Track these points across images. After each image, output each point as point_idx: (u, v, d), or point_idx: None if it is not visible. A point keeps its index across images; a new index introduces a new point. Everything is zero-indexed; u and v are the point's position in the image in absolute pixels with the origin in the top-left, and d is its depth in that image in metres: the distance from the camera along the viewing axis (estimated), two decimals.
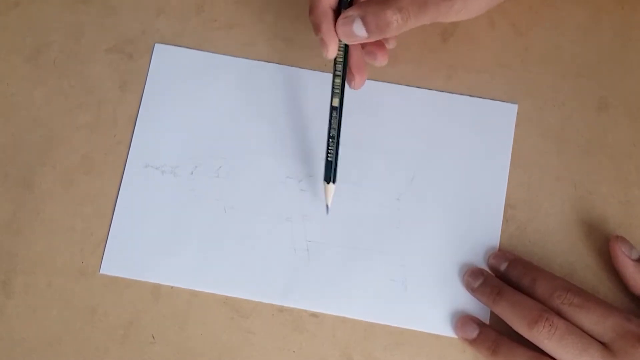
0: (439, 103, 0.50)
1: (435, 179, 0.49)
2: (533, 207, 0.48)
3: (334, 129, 0.46)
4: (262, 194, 0.49)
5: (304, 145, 0.50)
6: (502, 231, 0.48)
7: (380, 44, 0.47)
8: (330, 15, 0.44)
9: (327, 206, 0.48)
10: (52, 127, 0.51)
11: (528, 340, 0.44)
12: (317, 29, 0.45)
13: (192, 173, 0.50)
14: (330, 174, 0.47)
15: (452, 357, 0.46)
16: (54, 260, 0.49)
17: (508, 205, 0.48)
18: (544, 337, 0.43)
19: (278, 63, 0.51)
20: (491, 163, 0.49)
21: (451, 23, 0.51)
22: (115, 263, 0.48)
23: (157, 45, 0.52)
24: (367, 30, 0.43)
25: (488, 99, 0.50)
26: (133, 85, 0.51)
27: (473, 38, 0.51)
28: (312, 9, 0.45)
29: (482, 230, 0.48)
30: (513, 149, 0.49)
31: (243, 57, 0.51)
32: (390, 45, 0.48)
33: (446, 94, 0.50)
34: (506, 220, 0.48)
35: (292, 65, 0.51)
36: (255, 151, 0.50)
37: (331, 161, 0.46)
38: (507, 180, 0.49)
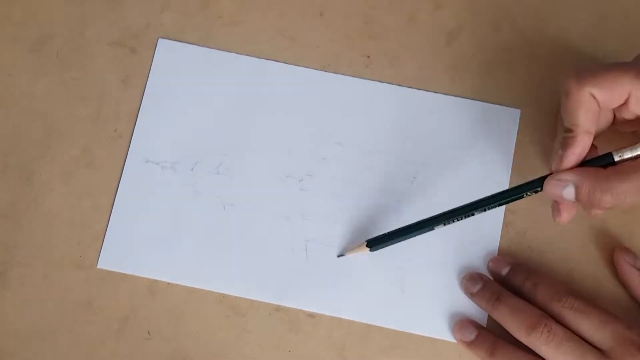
0: (441, 106, 0.50)
1: (436, 182, 0.49)
2: (533, 213, 0.48)
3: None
4: (262, 192, 0.49)
5: (305, 144, 0.50)
6: (502, 236, 0.48)
7: (570, 207, 0.45)
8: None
9: (343, 255, 0.48)
10: (53, 119, 0.51)
11: (526, 345, 0.43)
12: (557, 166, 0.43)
13: (192, 169, 0.50)
14: (378, 246, 0.47)
15: None
16: (51, 253, 0.49)
17: (508, 210, 0.48)
18: (542, 343, 0.42)
19: (281, 62, 0.51)
20: (492, 167, 0.49)
21: (455, 27, 0.51)
22: (113, 257, 0.48)
23: (160, 40, 0.52)
24: (577, 199, 0.42)
25: (491, 103, 0.50)
26: (135, 79, 0.51)
27: (477, 42, 0.51)
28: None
29: (482, 235, 0.48)
30: (515, 154, 0.49)
31: (246, 55, 0.51)
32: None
33: (449, 97, 0.50)
34: (506, 225, 0.48)
35: (295, 64, 0.51)
36: (256, 149, 0.50)
37: (390, 243, 0.47)
38: (508, 185, 0.49)
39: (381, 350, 0.47)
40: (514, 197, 0.45)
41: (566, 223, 0.45)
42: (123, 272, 0.48)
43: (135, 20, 0.52)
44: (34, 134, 0.50)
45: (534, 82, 0.50)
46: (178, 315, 0.48)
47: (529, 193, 0.44)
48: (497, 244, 0.48)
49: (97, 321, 0.48)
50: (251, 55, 0.51)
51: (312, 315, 0.47)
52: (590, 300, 0.44)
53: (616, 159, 0.42)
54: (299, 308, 0.47)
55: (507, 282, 0.46)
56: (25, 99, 0.51)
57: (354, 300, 0.47)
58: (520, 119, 0.50)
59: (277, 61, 0.51)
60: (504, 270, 0.47)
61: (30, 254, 0.49)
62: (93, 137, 0.50)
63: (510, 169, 0.49)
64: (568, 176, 0.42)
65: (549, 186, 0.43)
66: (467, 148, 0.49)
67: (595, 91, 0.42)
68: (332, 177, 0.49)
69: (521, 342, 0.44)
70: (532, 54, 0.51)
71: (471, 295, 0.47)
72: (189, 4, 0.52)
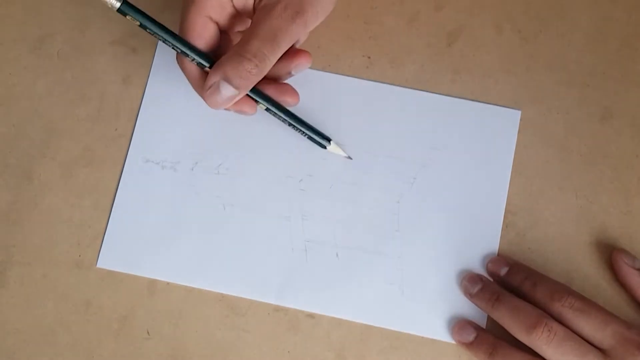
0: (442, 107, 0.50)
1: (436, 183, 0.49)
2: (533, 215, 0.48)
3: (287, 116, 0.47)
4: (262, 192, 0.49)
5: (305, 144, 0.50)
6: (502, 237, 0.48)
7: (282, 87, 0.47)
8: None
9: (349, 157, 0.49)
10: (53, 118, 0.51)
11: (525, 345, 0.43)
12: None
13: (192, 169, 0.50)
14: (323, 137, 0.48)
15: None
16: (50, 252, 0.49)
17: (508, 212, 0.48)
18: (542, 342, 0.42)
19: None
20: (493, 168, 0.49)
21: (456, 27, 0.51)
22: (112, 257, 0.48)
23: None
24: (233, 84, 0.43)
25: (492, 104, 0.50)
26: (136, 79, 0.51)
27: (478, 43, 0.51)
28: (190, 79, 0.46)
29: (482, 236, 0.48)
30: (515, 155, 0.49)
31: None
32: (287, 77, 0.47)
33: (450, 98, 0.50)
34: (506, 226, 0.48)
35: None
36: (256, 149, 0.50)
37: (311, 131, 0.48)
38: (508, 186, 0.49)
39: (380, 351, 0.47)
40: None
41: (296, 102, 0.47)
42: (122, 271, 0.48)
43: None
44: (34, 133, 0.50)
45: (534, 83, 0.50)
46: (177, 315, 0.48)
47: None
48: (497, 245, 0.48)
49: (96, 321, 0.48)
50: None
51: (311, 316, 0.47)
52: (590, 300, 0.44)
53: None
54: (298, 308, 0.47)
55: (506, 282, 0.46)
56: (26, 98, 0.51)
57: (353, 300, 0.47)
58: (520, 119, 0.50)
59: None
60: (503, 271, 0.47)
61: (29, 253, 0.49)
62: (93, 136, 0.50)
63: (510, 170, 0.49)
64: (213, 77, 0.43)
65: (208, 98, 0.43)
66: (467, 149, 0.49)
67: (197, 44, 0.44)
68: (332, 177, 0.49)
69: (521, 343, 0.43)
70: (533, 55, 0.51)
71: (470, 296, 0.47)
72: None
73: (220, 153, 0.50)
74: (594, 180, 0.49)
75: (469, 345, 0.45)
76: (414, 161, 0.49)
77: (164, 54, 0.51)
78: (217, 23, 0.45)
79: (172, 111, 0.51)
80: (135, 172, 0.50)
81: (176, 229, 0.49)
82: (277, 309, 0.48)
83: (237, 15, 0.46)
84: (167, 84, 0.51)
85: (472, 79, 0.50)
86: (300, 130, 0.48)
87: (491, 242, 0.48)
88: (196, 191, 0.49)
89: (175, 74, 0.51)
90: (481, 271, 0.47)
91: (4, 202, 0.49)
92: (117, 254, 0.48)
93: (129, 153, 0.50)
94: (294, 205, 0.49)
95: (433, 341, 0.47)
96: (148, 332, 0.47)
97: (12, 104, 0.51)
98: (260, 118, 0.50)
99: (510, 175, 0.49)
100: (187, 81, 0.51)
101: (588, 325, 0.43)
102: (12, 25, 0.52)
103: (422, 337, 0.47)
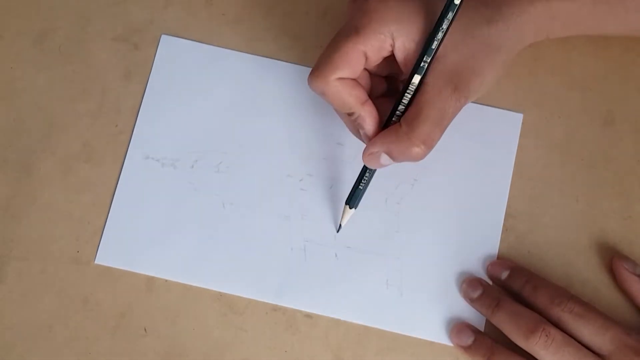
0: None
1: (436, 185, 0.49)
2: (534, 218, 0.48)
3: None
4: (262, 191, 0.49)
5: (306, 144, 0.50)
6: (502, 240, 0.48)
7: None
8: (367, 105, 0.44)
9: (340, 225, 0.48)
10: (54, 113, 0.51)
11: (524, 350, 0.43)
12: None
13: (192, 167, 0.50)
14: (356, 201, 0.47)
15: None
16: (49, 248, 0.48)
17: (508, 215, 0.48)
18: (540, 348, 0.42)
19: (284, 60, 0.51)
20: (494, 171, 0.49)
21: None
22: (111, 253, 0.48)
23: (163, 37, 0.52)
24: (395, 160, 0.44)
25: (493, 107, 0.50)
26: (137, 75, 0.51)
27: None
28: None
29: (482, 238, 0.48)
30: (516, 158, 0.49)
31: (249, 53, 0.51)
32: None
33: None
34: (506, 229, 0.48)
35: (298, 63, 0.51)
36: (257, 148, 0.50)
37: (362, 190, 0.46)
38: (508, 190, 0.48)
39: (378, 352, 0.47)
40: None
41: None
42: (121, 268, 0.48)
43: (139, 16, 0.52)
44: (34, 128, 0.50)
45: (536, 86, 0.50)
46: (175, 312, 0.47)
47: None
48: (497, 248, 0.48)
49: (93, 317, 0.47)
50: (254, 54, 0.51)
51: (309, 316, 0.47)
52: (589, 305, 0.44)
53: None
54: (296, 308, 0.47)
55: (507, 286, 0.46)
56: (27, 93, 0.51)
57: (351, 301, 0.47)
58: (522, 123, 0.50)
59: (280, 60, 0.51)
60: (504, 274, 0.46)
61: (28, 249, 0.48)
62: (94, 132, 0.50)
63: (511, 173, 0.49)
64: (376, 147, 0.43)
65: (367, 161, 0.44)
66: (468, 151, 0.49)
67: (340, 73, 0.42)
68: (333, 177, 0.49)
69: (520, 347, 0.43)
70: (536, 58, 0.51)
71: (471, 301, 0.46)
72: (192, 1, 0.52)
73: (221, 151, 0.50)
74: (595, 184, 0.49)
75: (467, 349, 0.45)
76: (415, 162, 0.49)
77: (166, 51, 0.51)
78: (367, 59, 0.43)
79: (173, 108, 0.50)
80: (135, 168, 0.50)
81: (175, 227, 0.49)
82: (275, 308, 0.47)
83: (387, 62, 0.44)
84: (168, 81, 0.51)
85: None
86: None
87: (491, 245, 0.48)
88: (196, 189, 0.49)
89: (176, 71, 0.51)
90: (481, 274, 0.47)
91: (3, 197, 0.49)
92: (115, 251, 0.48)
93: (129, 149, 0.50)
94: (293, 204, 0.49)
95: (431, 343, 0.47)
96: (145, 330, 0.47)
97: (13, 98, 0.51)
98: (261, 117, 0.50)
99: (511, 178, 0.49)
100: (187, 79, 0.51)
101: (588, 330, 0.43)
102: (14, 19, 0.52)
103: (420, 339, 0.47)
